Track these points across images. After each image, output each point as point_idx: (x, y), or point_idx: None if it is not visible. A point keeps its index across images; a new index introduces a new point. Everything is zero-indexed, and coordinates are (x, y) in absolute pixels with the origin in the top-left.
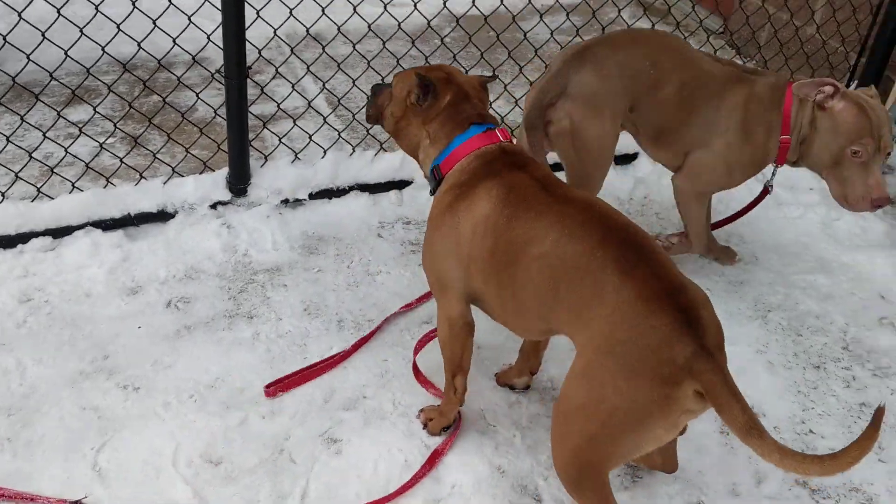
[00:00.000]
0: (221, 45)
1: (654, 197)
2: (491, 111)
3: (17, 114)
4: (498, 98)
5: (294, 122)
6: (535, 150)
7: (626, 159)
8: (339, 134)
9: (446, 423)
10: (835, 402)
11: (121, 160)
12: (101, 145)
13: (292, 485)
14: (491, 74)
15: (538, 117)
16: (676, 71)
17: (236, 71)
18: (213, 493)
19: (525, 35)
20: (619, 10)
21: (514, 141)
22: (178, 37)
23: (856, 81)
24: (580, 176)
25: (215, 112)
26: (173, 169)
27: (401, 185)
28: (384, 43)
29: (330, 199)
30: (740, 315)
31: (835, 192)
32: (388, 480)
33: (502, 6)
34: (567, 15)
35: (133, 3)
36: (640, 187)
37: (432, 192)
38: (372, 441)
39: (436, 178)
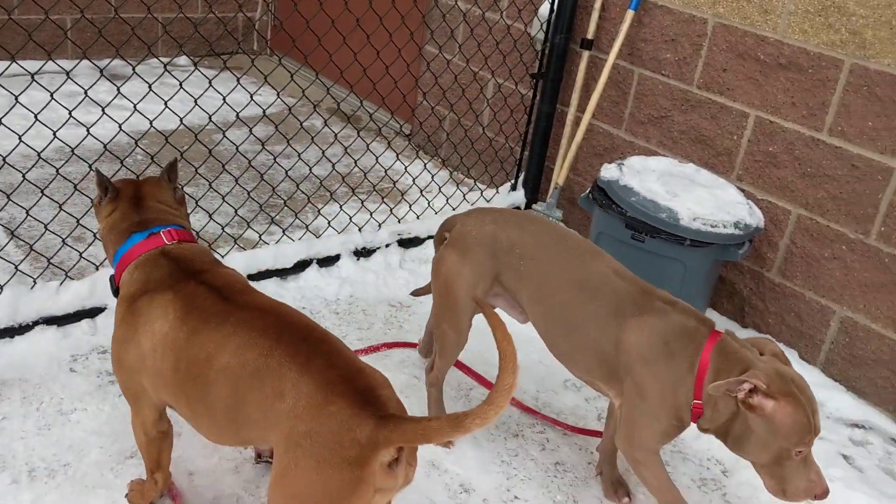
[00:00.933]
0: None
1: (358, 295)
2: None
3: None
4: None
5: None
6: None
7: (330, 261)
8: (16, 267)
9: (145, 502)
10: (533, 465)
11: None
12: None
13: None
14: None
15: (437, 242)
16: (554, 277)
17: None
18: None
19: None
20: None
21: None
22: None
23: (523, 174)
24: (434, 323)
25: None
26: None
27: (93, 312)
28: (58, 170)
29: (11, 337)
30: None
31: (770, 486)
32: None
33: (210, 121)
34: (276, 126)
35: None
36: (345, 287)
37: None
38: None
39: (112, 288)
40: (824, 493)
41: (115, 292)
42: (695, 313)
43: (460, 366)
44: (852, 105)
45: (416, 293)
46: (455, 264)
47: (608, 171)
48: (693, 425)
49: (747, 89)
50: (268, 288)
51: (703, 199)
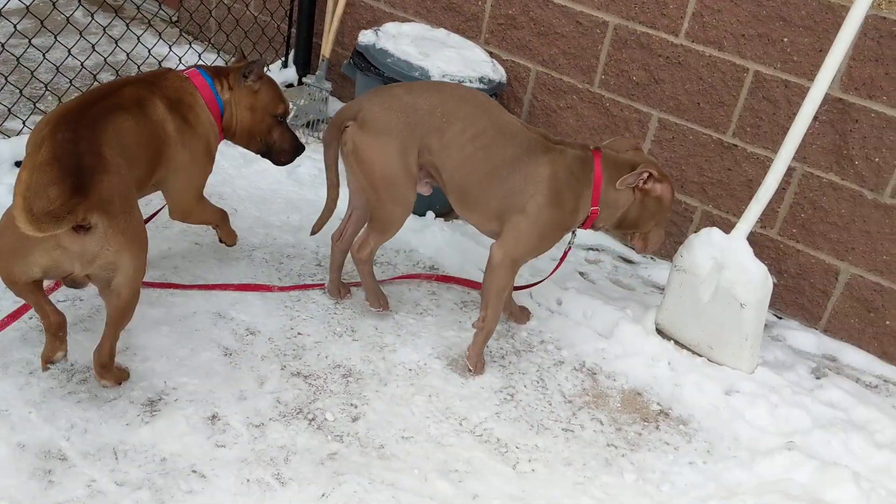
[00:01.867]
0: None
1: None
2: None
3: None
4: None
5: None
6: (328, 166)
7: None
8: None
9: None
10: (315, 306)
11: None
12: None
13: None
14: None
15: (333, 137)
16: (475, 126)
17: None
18: None
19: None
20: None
21: None
22: None
23: (293, 51)
24: (374, 206)
25: None
26: None
27: None
28: None
29: None
30: (227, 258)
31: (640, 246)
32: None
33: None
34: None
35: None
36: None
37: None
38: None
39: None
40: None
41: None
42: (580, 144)
43: (444, 278)
44: None
45: (316, 229)
46: (379, 145)
47: (365, 37)
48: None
49: None
50: None
51: (452, 59)
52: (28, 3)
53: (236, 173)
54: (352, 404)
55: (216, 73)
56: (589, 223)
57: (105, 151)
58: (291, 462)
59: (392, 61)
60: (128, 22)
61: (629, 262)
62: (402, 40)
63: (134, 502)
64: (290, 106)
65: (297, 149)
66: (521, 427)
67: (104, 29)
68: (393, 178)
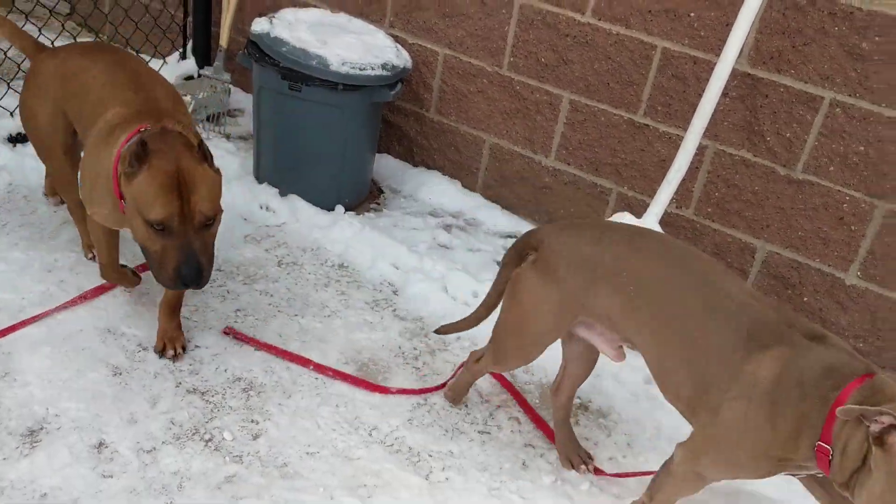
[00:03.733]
0: None
1: (18, 182)
2: None
3: None
4: None
5: None
6: (495, 284)
7: None
8: None
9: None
10: (214, 315)
11: None
12: None
13: None
14: None
15: (512, 260)
16: (675, 303)
17: None
18: None
19: None
20: None
21: None
22: None
23: (191, 41)
24: (500, 337)
25: None
26: None
27: None
28: None
29: None
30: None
31: None
32: None
33: None
34: None
35: None
36: (2, 175)
37: None
38: None
39: None
40: None
41: None
42: (848, 352)
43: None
44: None
45: (446, 330)
46: (539, 291)
47: (259, 25)
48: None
49: None
50: None
51: (352, 45)
52: None
53: None
54: (253, 420)
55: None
56: (823, 465)
57: None
58: (185, 488)
59: (287, 50)
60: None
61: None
62: (299, 27)
63: None
64: (167, 214)
65: (181, 278)
66: (434, 433)
67: None
68: (531, 331)
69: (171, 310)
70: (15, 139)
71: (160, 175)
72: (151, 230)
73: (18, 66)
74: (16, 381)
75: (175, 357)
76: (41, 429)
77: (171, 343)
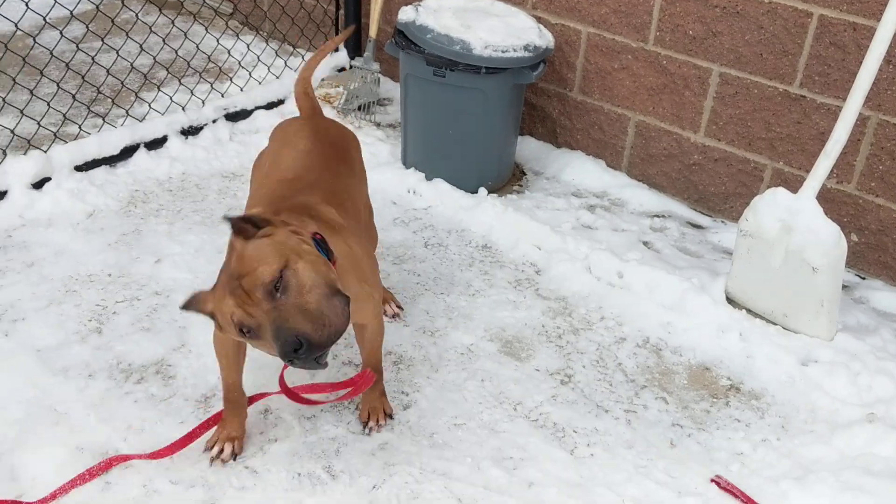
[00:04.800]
0: None
1: (190, 171)
2: None
3: None
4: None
5: None
6: None
7: (157, 143)
8: None
9: None
10: None
11: None
12: None
13: None
14: None
15: None
16: None
17: None
18: None
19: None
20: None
21: None
22: None
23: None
24: None
25: None
26: None
27: None
28: None
29: None
30: None
31: None
32: None
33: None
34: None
35: None
36: (176, 165)
37: None
38: None
39: None
40: None
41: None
42: None
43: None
44: None
45: None
46: None
47: (405, 14)
48: None
49: None
50: (97, 177)
51: (495, 28)
52: (97, 3)
53: None
54: (403, 392)
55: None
56: None
57: None
58: (342, 454)
59: (432, 36)
60: (192, 17)
61: (698, 227)
62: (443, 14)
63: (188, 501)
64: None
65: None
66: (578, 410)
67: (150, 27)
68: None
69: (374, 368)
70: (187, 132)
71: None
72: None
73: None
74: (191, 353)
75: (376, 429)
76: (213, 395)
77: (374, 414)
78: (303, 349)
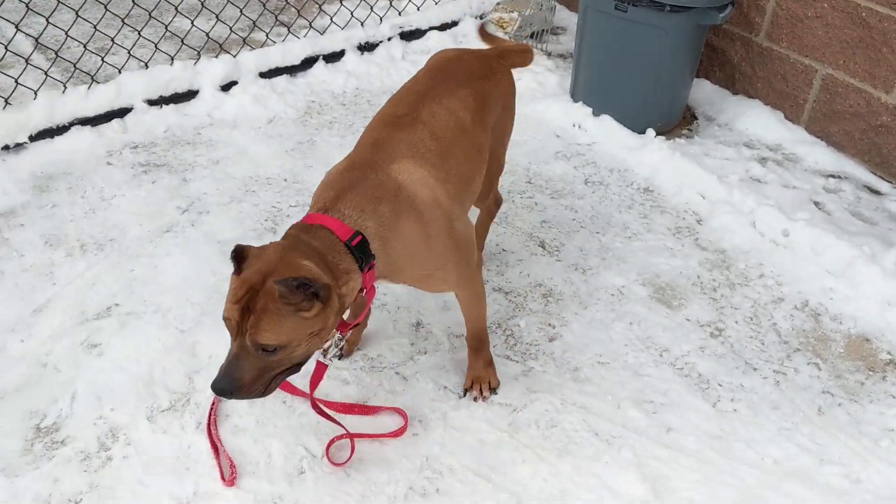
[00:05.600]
0: None
1: (364, 87)
2: None
3: None
4: None
5: None
6: None
7: (335, 57)
8: (45, 73)
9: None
10: (521, 224)
11: None
12: None
13: (62, 389)
14: None
15: None
16: None
17: None
18: None
19: None
20: None
21: None
22: None
23: None
24: None
25: None
26: None
27: (121, 113)
28: None
29: (52, 137)
30: None
31: None
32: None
33: None
34: None
35: None
36: (351, 80)
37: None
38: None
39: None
40: None
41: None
42: None
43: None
44: None
45: None
46: None
47: None
48: None
49: None
50: (279, 84)
51: None
52: None
53: None
54: (550, 324)
55: None
56: None
57: None
58: None
59: None
60: None
61: (876, 192)
62: None
63: (345, 396)
64: (225, 316)
65: (213, 383)
66: (726, 364)
67: None
68: None
69: (473, 350)
70: (363, 48)
71: (236, 283)
72: None
73: None
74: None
75: (480, 398)
76: (383, 305)
77: (477, 383)
78: (215, 388)
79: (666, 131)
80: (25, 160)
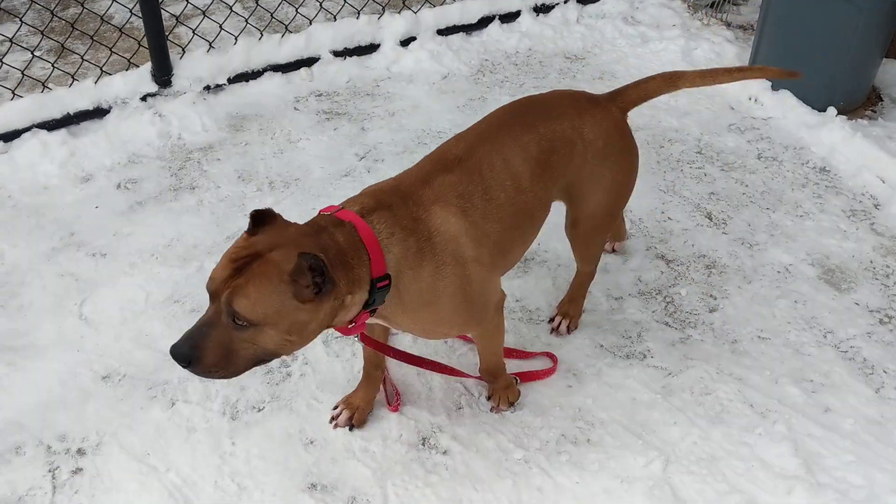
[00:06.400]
0: None
1: (536, 48)
2: None
3: None
4: None
5: (204, 14)
6: None
7: (511, 17)
8: (246, 21)
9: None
10: (689, 194)
11: (52, 65)
12: (32, 54)
13: None
14: None
15: None
16: None
17: None
18: (179, 324)
19: None
20: None
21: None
22: None
23: None
24: None
25: (131, 12)
26: (101, 69)
27: (309, 62)
28: None
29: (247, 81)
30: None
31: None
32: None
33: None
34: None
35: None
36: (524, 41)
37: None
38: None
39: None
40: None
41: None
42: None
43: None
44: None
45: None
46: None
47: None
48: None
49: None
50: (454, 42)
51: None
52: None
53: None
54: (711, 295)
55: None
56: None
57: None
58: (644, 338)
59: None
60: None
61: None
62: None
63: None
64: (209, 279)
65: (171, 348)
66: (894, 352)
67: None
68: None
69: (486, 373)
70: (539, 9)
71: (242, 242)
72: None
73: None
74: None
75: (496, 411)
76: (543, 262)
77: (495, 396)
78: (173, 354)
79: (848, 111)
80: (224, 100)
